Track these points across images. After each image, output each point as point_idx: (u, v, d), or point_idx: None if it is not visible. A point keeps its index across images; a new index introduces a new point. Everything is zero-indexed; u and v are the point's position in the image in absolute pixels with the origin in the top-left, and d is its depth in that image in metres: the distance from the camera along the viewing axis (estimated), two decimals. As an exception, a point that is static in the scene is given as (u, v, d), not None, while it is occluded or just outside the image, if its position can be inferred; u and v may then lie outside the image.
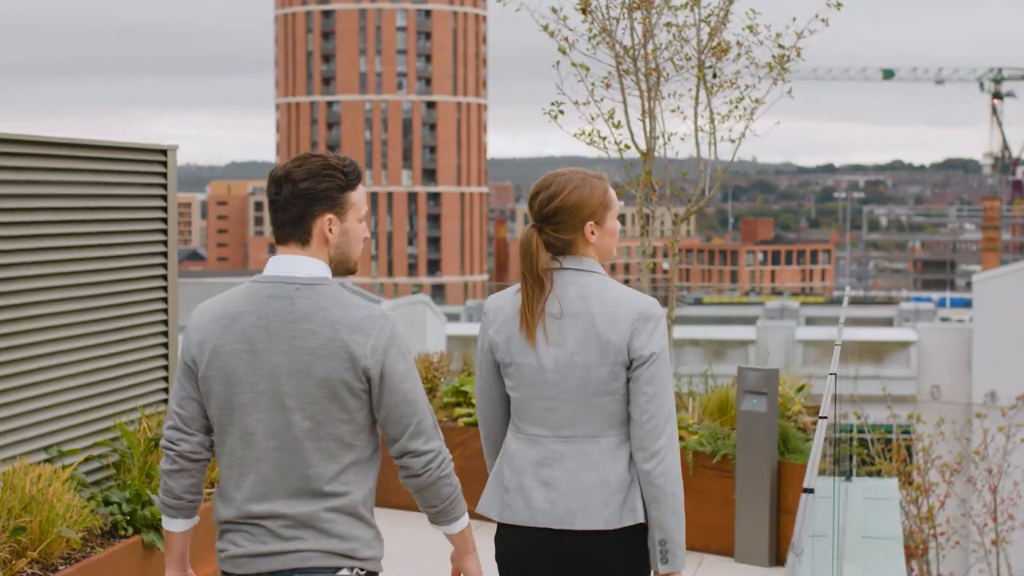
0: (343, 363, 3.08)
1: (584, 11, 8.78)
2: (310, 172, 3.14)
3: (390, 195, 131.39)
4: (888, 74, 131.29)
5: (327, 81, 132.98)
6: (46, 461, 5.94)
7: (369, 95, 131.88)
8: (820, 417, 3.66)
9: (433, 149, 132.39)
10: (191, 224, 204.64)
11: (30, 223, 5.98)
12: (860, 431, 15.13)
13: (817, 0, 8.76)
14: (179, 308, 7.20)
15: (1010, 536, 15.92)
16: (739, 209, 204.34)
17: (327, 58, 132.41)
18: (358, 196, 3.21)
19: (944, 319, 51.31)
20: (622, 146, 8.83)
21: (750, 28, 8.69)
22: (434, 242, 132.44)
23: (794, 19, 8.69)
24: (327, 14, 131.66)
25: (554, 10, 8.86)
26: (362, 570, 3.16)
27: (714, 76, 8.80)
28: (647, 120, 8.80)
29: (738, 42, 8.75)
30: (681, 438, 7.47)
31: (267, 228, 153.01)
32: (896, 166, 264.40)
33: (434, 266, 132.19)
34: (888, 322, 47.12)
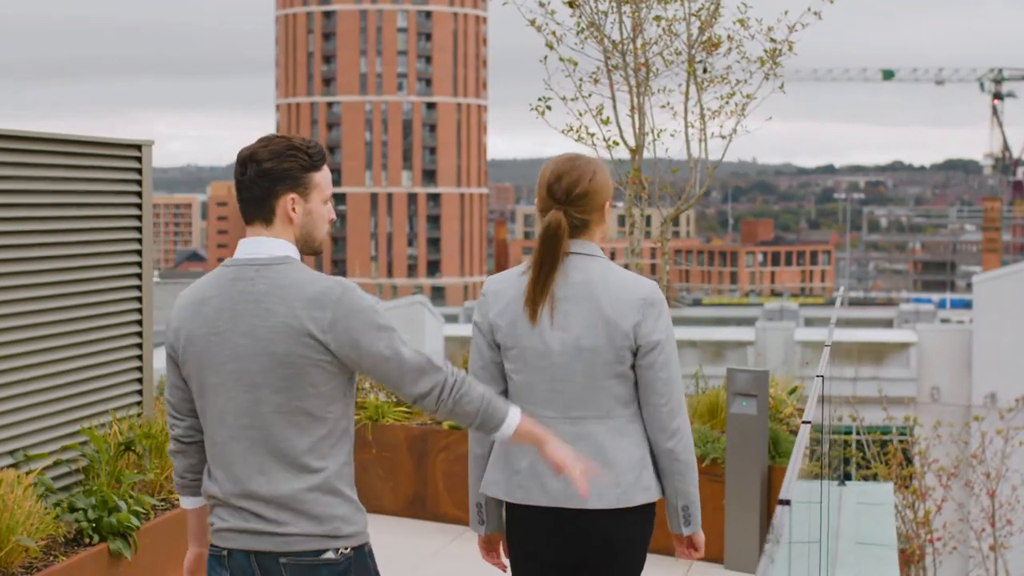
0: (302, 339, 3.11)
1: (572, 5, 8.60)
2: (274, 152, 3.20)
3: (390, 196, 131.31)
4: (888, 74, 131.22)
5: (327, 82, 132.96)
6: (11, 466, 5.76)
7: (369, 96, 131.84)
8: (803, 422, 3.49)
9: (433, 150, 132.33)
10: (191, 225, 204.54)
11: (-6, 220, 5.79)
12: (855, 432, 14.95)
13: (809, -7, 8.59)
14: (155, 308, 7.00)
15: (1008, 541, 15.72)
16: (739, 210, 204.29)
17: (328, 59, 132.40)
18: (322, 177, 3.26)
19: (944, 320, 51.24)
20: (611, 142, 8.64)
21: (741, 22, 8.52)
22: (434, 243, 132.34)
23: (786, 12, 8.52)
24: (328, 15, 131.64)
25: (542, 4, 8.68)
26: (347, 548, 3.19)
27: (704, 71, 8.61)
28: (636, 116, 8.61)
29: (729, 36, 8.56)
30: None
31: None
32: (896, 167, 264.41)
33: (434, 267, 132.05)
34: (888, 323, 47.03)
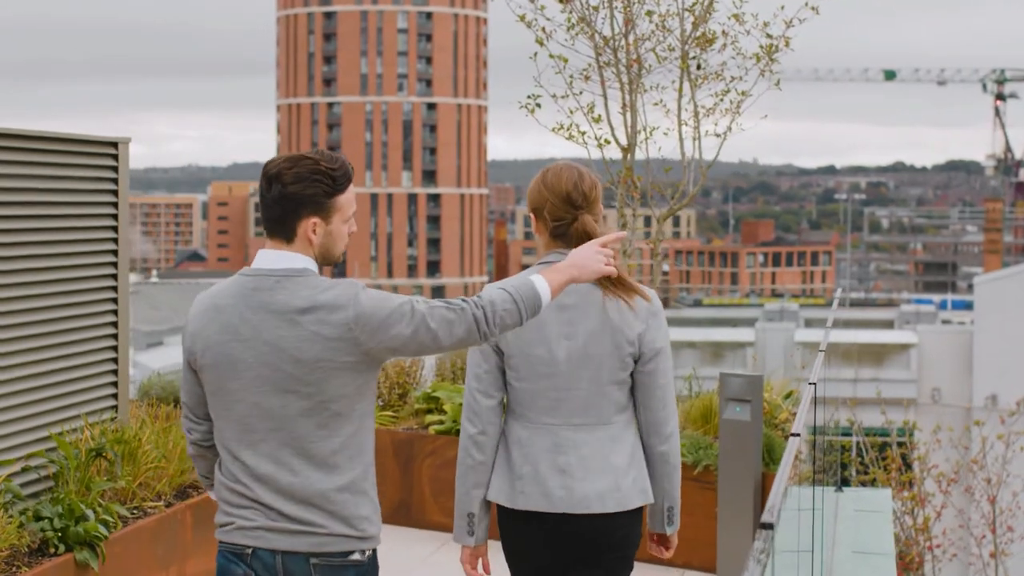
0: (330, 343, 3.21)
1: (562, 0, 8.39)
2: (299, 176, 3.26)
3: (390, 196, 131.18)
4: (890, 75, 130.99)
5: (328, 82, 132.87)
6: (-24, 473, 5.56)
7: (370, 96, 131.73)
8: (791, 434, 3.30)
9: (433, 151, 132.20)
10: (192, 225, 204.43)
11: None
12: (853, 435, 14.76)
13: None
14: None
15: (1009, 549, 15.47)
16: (740, 211, 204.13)
17: (328, 59, 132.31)
18: (345, 199, 3.33)
19: (945, 322, 51.07)
20: (602, 141, 8.44)
21: (736, 17, 8.32)
22: (434, 244, 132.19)
23: (782, 7, 8.33)
24: (329, 15, 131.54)
25: (531, -1, 8.48)
26: (370, 551, 3.32)
27: (698, 67, 8.41)
28: (628, 114, 8.41)
29: (724, 32, 8.37)
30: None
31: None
32: (898, 167, 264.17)
33: (434, 268, 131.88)
34: (888, 324, 46.86)
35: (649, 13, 8.38)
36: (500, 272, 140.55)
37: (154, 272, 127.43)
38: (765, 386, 8.03)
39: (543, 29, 8.44)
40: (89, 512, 5.50)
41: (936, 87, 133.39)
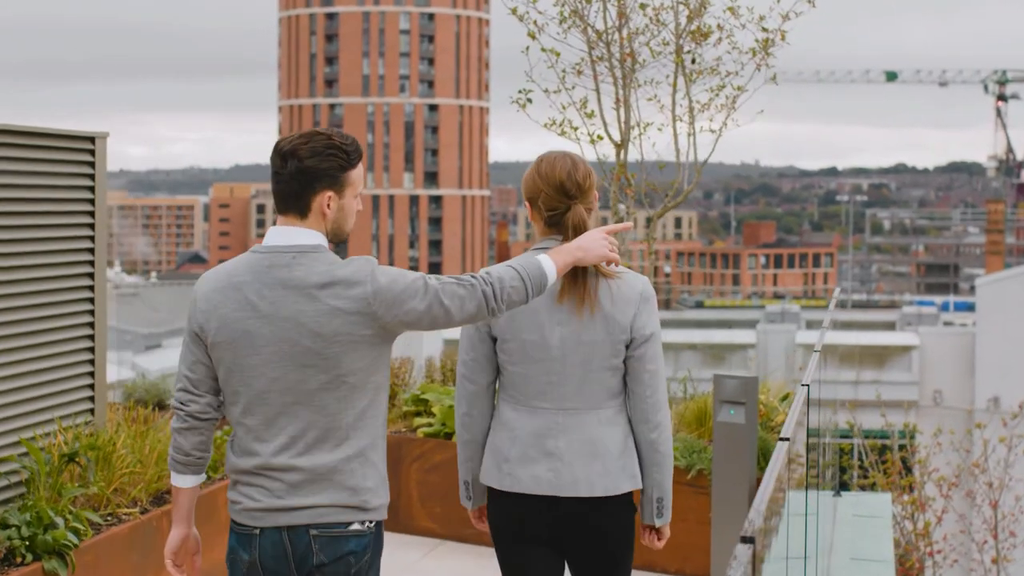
0: (349, 317, 3.26)
1: (554, -8, 8.20)
2: (314, 151, 3.32)
3: (392, 198, 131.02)
4: (891, 76, 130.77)
5: (330, 83, 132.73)
6: (-56, 478, 5.37)
7: (372, 98, 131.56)
8: (781, 439, 3.12)
9: (435, 152, 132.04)
10: (193, 226, 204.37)
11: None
12: (853, 437, 14.55)
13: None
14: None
15: (1011, 554, 15.25)
16: (741, 212, 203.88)
17: (330, 60, 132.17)
18: (357, 174, 3.41)
19: (947, 323, 50.91)
20: (595, 137, 8.24)
21: (732, 10, 8.13)
22: (435, 245, 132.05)
23: (778, 0, 8.11)
24: (330, 16, 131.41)
25: (523, -8, 8.28)
26: (371, 522, 3.33)
27: (693, 62, 8.21)
28: (622, 109, 8.21)
29: (719, 26, 8.17)
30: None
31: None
32: (899, 169, 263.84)
33: (435, 269, 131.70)
34: (890, 326, 46.68)
35: (643, 6, 8.19)
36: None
37: (153, 274, 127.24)
38: (762, 388, 7.85)
39: (535, 22, 8.24)
40: (59, 519, 5.31)
41: (938, 88, 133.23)
